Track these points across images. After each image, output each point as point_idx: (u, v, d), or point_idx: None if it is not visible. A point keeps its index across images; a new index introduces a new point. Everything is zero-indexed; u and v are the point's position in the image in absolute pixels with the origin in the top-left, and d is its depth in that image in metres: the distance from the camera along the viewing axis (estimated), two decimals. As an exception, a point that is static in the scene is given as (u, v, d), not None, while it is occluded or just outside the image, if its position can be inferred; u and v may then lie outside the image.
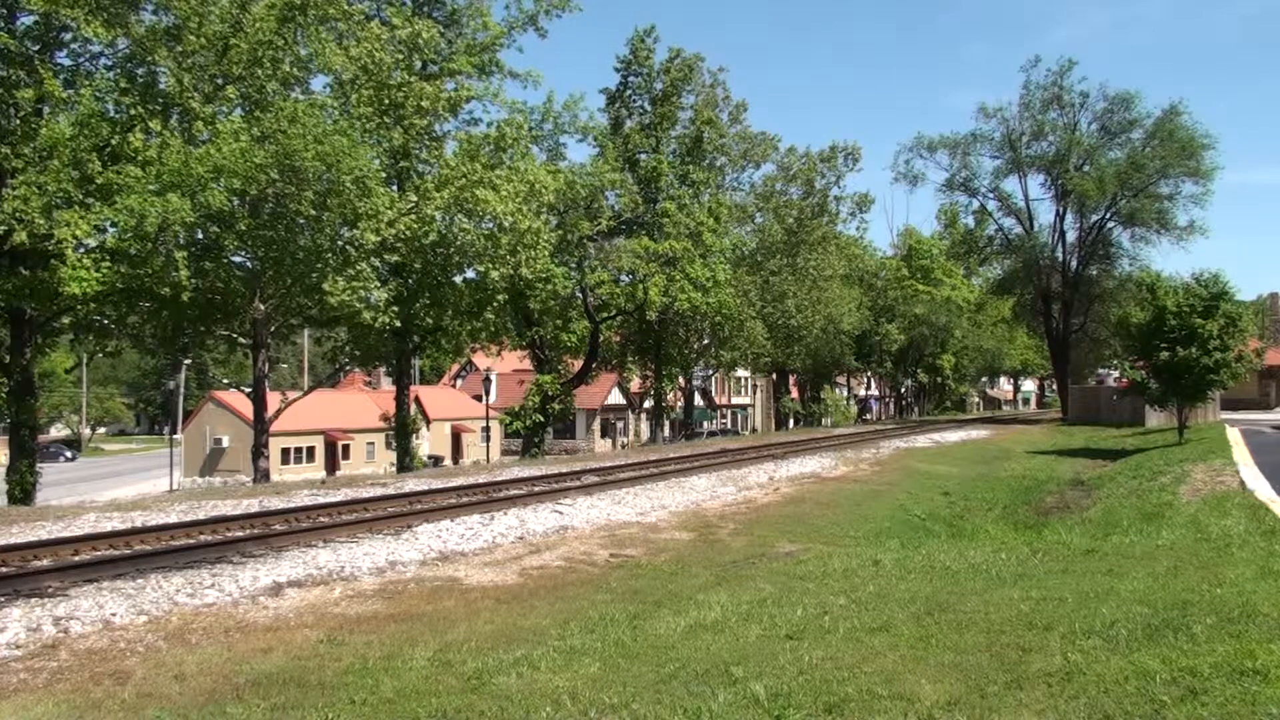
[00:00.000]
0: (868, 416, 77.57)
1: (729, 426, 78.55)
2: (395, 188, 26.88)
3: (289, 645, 7.00)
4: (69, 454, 70.70)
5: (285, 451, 53.51)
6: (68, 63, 22.80)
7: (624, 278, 38.95)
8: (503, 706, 5.37)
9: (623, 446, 61.82)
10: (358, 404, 60.26)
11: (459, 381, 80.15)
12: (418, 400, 50.35)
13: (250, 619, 7.91)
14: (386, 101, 25.86)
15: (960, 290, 68.10)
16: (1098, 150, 50.61)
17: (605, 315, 40.52)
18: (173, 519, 13.86)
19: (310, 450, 57.05)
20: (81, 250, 20.52)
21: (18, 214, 19.41)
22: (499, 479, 19.58)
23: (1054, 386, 77.85)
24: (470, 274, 28.97)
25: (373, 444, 58.58)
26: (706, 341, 44.66)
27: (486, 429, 48.17)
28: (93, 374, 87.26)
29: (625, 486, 18.25)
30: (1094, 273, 52.89)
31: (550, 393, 37.26)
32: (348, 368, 39.66)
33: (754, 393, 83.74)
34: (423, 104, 26.44)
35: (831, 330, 51.03)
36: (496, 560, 10.76)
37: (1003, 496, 22.75)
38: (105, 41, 21.34)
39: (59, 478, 45.61)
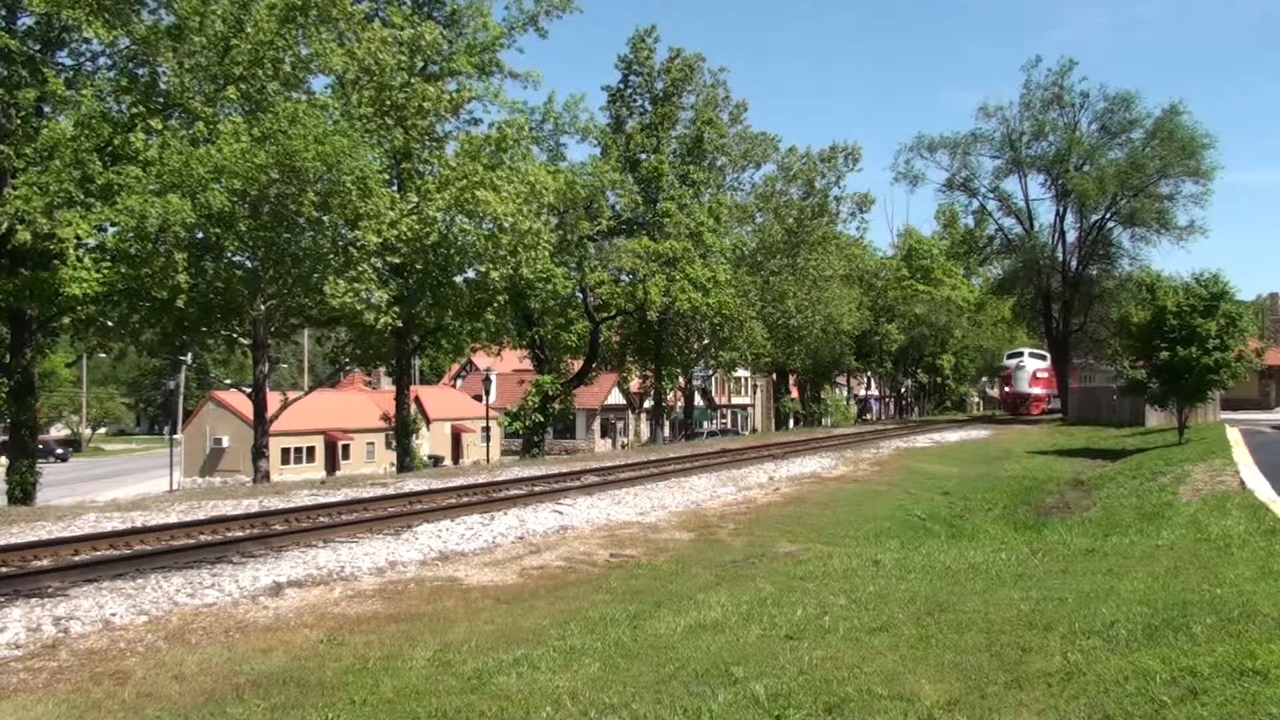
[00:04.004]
0: (868, 416, 77.56)
1: (729, 426, 78.55)
2: (396, 188, 26.90)
3: (289, 645, 7.00)
4: (60, 452, 70.50)
5: (285, 451, 53.51)
6: (69, 62, 22.84)
7: (624, 278, 38.98)
8: (503, 706, 5.37)
9: (623, 446, 61.84)
10: (358, 404, 60.28)
11: (459, 381, 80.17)
12: (418, 400, 50.39)
13: (250, 619, 7.92)
14: (388, 103, 25.87)
15: (960, 290, 68.08)
16: (1098, 150, 50.55)
17: (605, 315, 40.53)
18: (173, 519, 13.86)
19: (310, 450, 57.06)
20: (82, 250, 20.55)
21: (20, 213, 19.43)
22: (499, 479, 19.58)
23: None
24: (471, 274, 29.00)
25: (373, 444, 58.61)
26: (706, 341, 44.68)
27: (486, 429, 48.15)
28: (93, 374, 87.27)
29: (625, 486, 18.25)
30: (1094, 273, 52.82)
31: (550, 393, 37.27)
32: (348, 368, 39.73)
33: (754, 393, 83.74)
34: (424, 105, 26.45)
35: (831, 330, 51.02)
36: (496, 560, 10.76)
37: (1003, 496, 22.74)
38: (106, 41, 21.35)
39: (59, 478, 45.63)
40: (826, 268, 48.48)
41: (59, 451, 70.03)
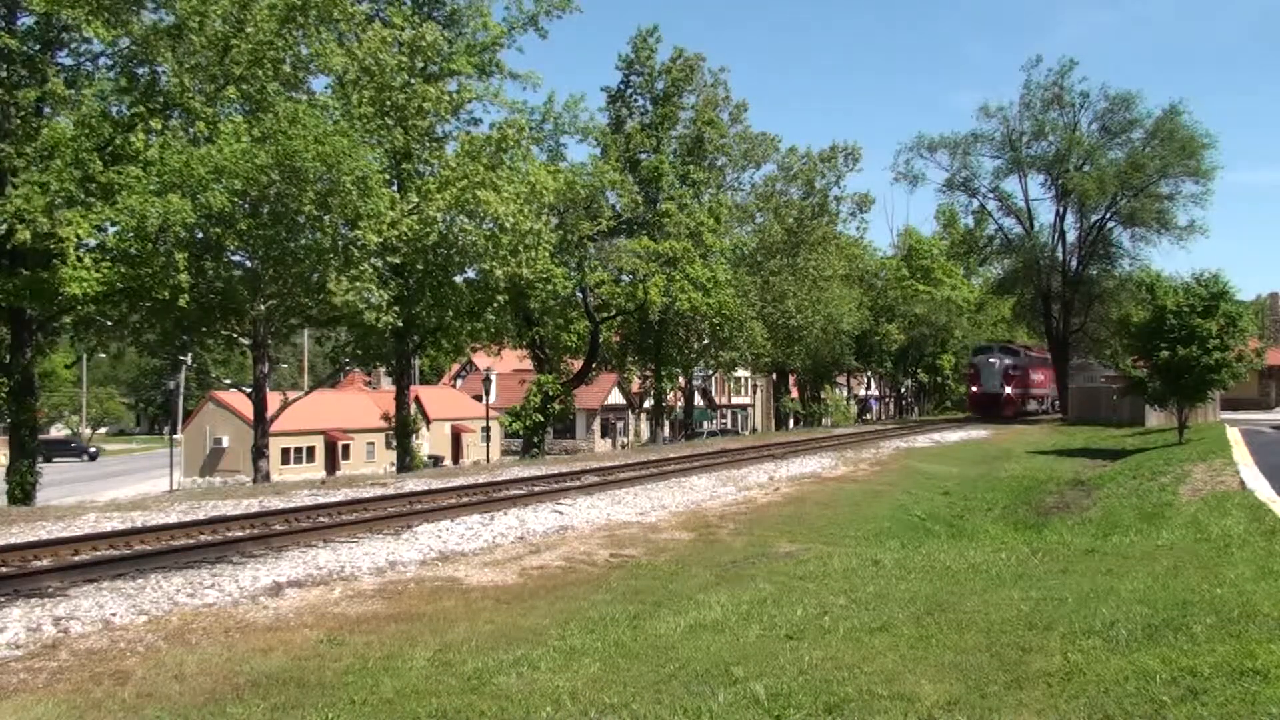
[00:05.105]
0: (868, 416, 77.58)
1: (729, 426, 78.55)
2: (396, 189, 26.90)
3: (289, 645, 7.00)
4: (91, 450, 72.09)
5: (285, 451, 53.52)
6: (69, 62, 22.86)
7: (624, 278, 38.97)
8: (503, 706, 5.37)
9: (623, 446, 61.83)
10: (358, 404, 60.30)
11: (459, 381, 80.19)
12: (418, 400, 50.39)
13: (250, 619, 7.92)
14: (388, 103, 25.88)
15: (960, 290, 68.06)
16: (1098, 150, 50.56)
17: (605, 315, 40.54)
18: (173, 519, 13.86)
19: (310, 450, 57.06)
20: (82, 250, 20.55)
21: (20, 213, 19.44)
22: (499, 479, 19.58)
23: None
24: (471, 273, 29.00)
25: (373, 444, 58.61)
26: (706, 341, 44.69)
27: (486, 429, 48.17)
28: (93, 374, 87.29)
29: (625, 486, 18.24)
30: (1094, 273, 52.81)
31: (550, 393, 37.27)
32: (348, 368, 39.73)
33: (754, 393, 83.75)
34: (424, 105, 26.46)
35: (831, 330, 51.03)
36: (496, 560, 10.76)
37: (1003, 496, 22.74)
38: (106, 41, 21.36)
39: (59, 478, 45.62)
40: (826, 268, 48.50)
41: (91, 450, 71.92)
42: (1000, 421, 47.77)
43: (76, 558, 10.34)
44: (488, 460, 41.27)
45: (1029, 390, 54.59)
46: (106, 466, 63.72)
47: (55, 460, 64.25)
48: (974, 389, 53.67)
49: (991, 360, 52.24)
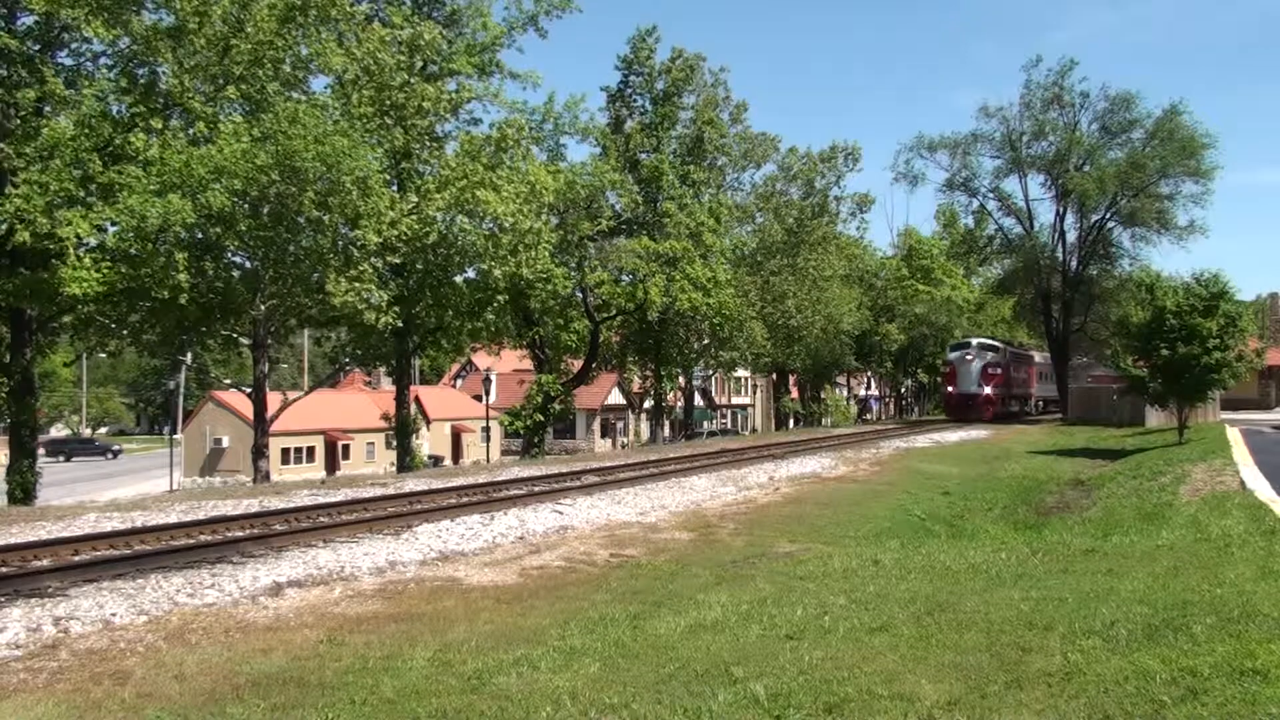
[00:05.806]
0: (868, 416, 77.57)
1: (729, 426, 78.58)
2: (396, 188, 26.91)
3: (289, 645, 7.00)
4: (115, 448, 73.95)
5: (285, 451, 53.55)
6: (69, 63, 22.88)
7: (624, 278, 39.02)
8: (503, 706, 5.37)
9: (623, 446, 61.84)
10: (358, 404, 60.32)
11: (459, 381, 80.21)
12: (418, 400, 50.40)
13: (250, 619, 7.92)
14: (388, 102, 25.89)
15: (960, 290, 68.09)
16: (1098, 150, 50.58)
17: (605, 315, 40.56)
18: (173, 519, 13.86)
19: (310, 450, 57.09)
20: (83, 250, 20.57)
21: (20, 212, 19.45)
22: (499, 479, 19.58)
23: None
24: (471, 273, 29.01)
25: (373, 444, 58.65)
26: (706, 341, 44.72)
27: (486, 429, 48.19)
28: (92, 374, 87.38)
29: (625, 486, 18.24)
30: (1094, 273, 52.82)
31: (550, 393, 37.28)
32: (348, 368, 39.77)
33: (754, 393, 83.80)
34: (424, 105, 26.47)
35: (831, 330, 51.05)
36: (496, 560, 10.76)
37: (1003, 496, 22.72)
38: (106, 41, 21.38)
39: (59, 478, 45.64)
40: (826, 268, 48.54)
41: (115, 448, 74.05)
42: (997, 422, 47.04)
43: (76, 558, 10.34)
44: (488, 460, 41.28)
45: (1012, 390, 51.92)
46: (107, 466, 63.92)
47: (78, 459, 65.44)
48: (949, 389, 49.80)
49: (968, 357, 48.53)
